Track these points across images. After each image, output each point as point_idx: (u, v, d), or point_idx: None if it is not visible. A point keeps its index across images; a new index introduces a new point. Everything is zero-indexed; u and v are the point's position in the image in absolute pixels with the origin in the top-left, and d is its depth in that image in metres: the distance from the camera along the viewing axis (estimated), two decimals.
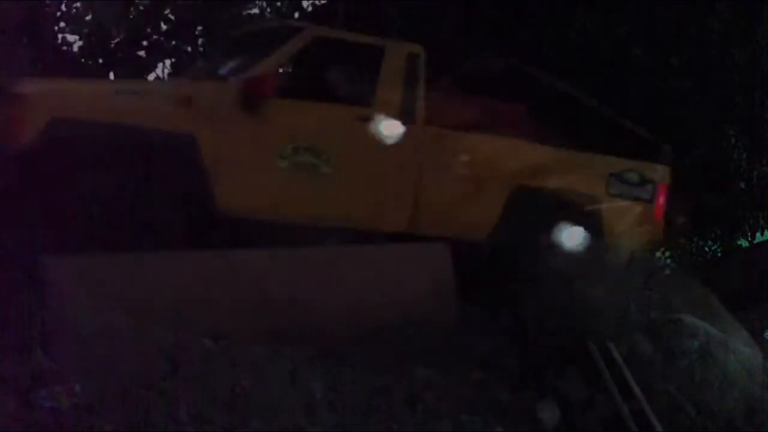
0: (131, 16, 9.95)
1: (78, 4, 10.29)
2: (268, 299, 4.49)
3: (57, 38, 9.83)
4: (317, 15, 9.42)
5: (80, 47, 10.27)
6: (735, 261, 8.77)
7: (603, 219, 6.38)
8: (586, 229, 6.31)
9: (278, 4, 12.07)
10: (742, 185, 8.69)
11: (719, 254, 9.14)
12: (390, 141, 5.79)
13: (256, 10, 10.69)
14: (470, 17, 8.33)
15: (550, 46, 7.89)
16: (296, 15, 10.10)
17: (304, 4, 12.17)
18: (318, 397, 3.92)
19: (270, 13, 10.68)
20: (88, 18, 10.29)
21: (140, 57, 9.90)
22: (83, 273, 4.09)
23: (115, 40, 9.89)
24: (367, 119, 5.71)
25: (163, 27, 10.03)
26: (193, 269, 4.38)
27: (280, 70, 5.62)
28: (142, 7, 10.11)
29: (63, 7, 10.24)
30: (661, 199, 6.67)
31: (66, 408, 3.67)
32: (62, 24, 10.17)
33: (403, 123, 5.83)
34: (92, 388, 3.76)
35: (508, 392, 4.24)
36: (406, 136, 5.84)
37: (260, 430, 3.67)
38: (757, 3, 8.29)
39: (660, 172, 6.68)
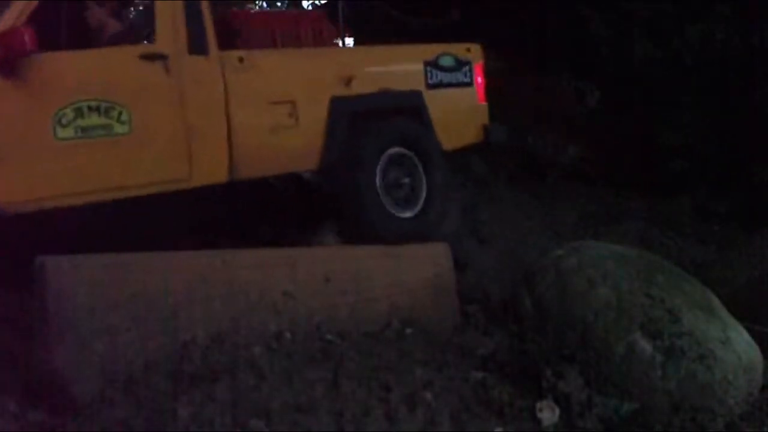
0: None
1: None
2: (267, 299, 4.48)
3: None
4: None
5: None
6: (735, 260, 8.75)
7: (430, 115, 5.87)
8: (415, 130, 5.81)
9: (278, 4, 12.09)
10: None
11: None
12: (184, 78, 4.90)
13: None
14: None
15: None
16: None
17: (305, 4, 12.19)
18: (318, 397, 3.92)
19: None
20: None
21: None
22: (83, 273, 4.08)
23: None
24: (152, 57, 4.79)
25: None
26: (192, 269, 4.37)
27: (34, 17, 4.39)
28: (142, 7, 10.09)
29: None
30: (480, 80, 6.25)
31: (66, 408, 3.69)
32: None
33: (195, 53, 4.95)
34: (92, 388, 3.77)
35: (508, 392, 4.24)
36: (201, 68, 4.97)
37: (260, 430, 3.67)
38: None
39: (473, 52, 6.27)
